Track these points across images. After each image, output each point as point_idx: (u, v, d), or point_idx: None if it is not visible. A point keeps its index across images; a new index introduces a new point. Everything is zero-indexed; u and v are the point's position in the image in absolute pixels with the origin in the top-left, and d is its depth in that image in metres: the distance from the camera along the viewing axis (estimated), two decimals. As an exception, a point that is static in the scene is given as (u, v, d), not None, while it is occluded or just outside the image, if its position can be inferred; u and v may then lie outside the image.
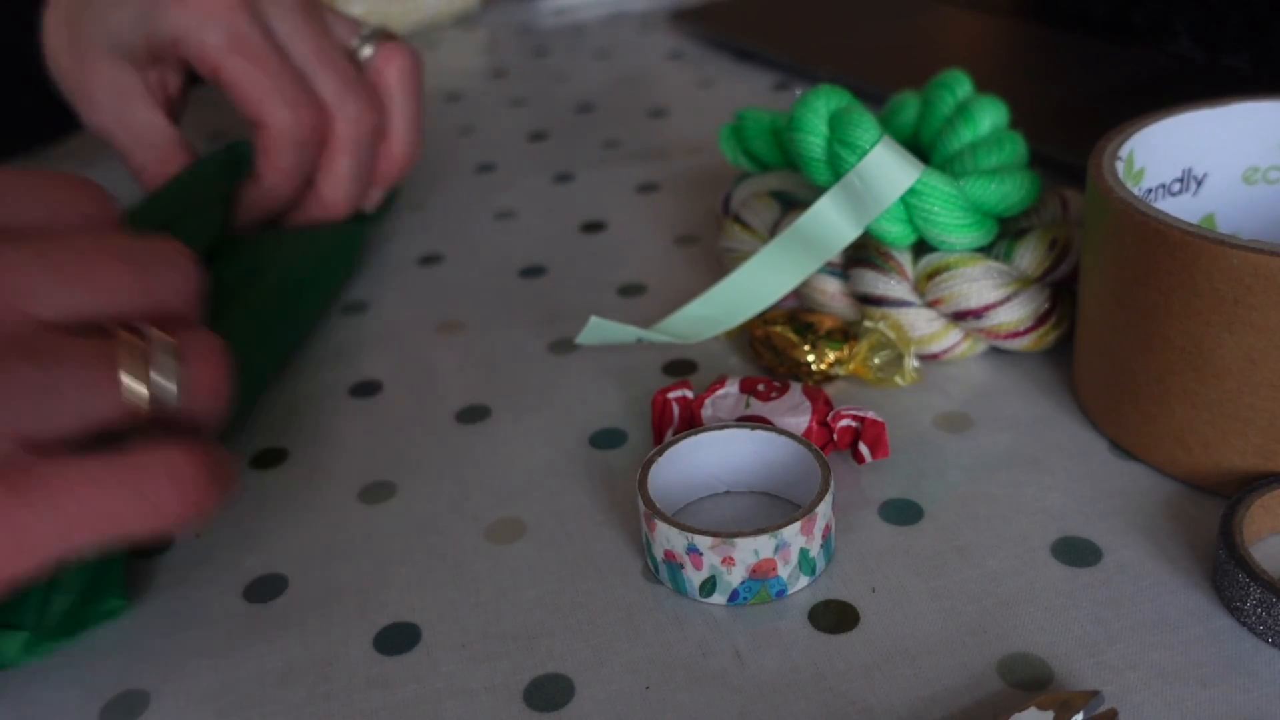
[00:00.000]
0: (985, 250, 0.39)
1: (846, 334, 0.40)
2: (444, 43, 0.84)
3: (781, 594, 0.31)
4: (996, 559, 0.32)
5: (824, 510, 0.31)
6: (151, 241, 0.28)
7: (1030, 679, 0.28)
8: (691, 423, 0.36)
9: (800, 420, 0.35)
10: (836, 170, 0.38)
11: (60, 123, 0.51)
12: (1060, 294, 0.39)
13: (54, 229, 0.27)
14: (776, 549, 0.30)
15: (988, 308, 0.38)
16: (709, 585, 0.31)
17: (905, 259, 0.40)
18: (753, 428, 0.34)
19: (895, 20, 0.71)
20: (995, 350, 0.41)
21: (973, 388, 0.39)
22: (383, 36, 0.49)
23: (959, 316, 0.39)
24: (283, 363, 0.44)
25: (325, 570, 0.34)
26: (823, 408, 0.36)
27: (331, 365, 0.44)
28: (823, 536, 0.31)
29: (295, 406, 0.42)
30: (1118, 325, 0.34)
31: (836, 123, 0.38)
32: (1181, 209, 0.39)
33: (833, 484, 0.32)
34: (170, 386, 0.27)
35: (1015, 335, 0.38)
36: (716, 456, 0.34)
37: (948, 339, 0.40)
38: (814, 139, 0.39)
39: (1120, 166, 0.35)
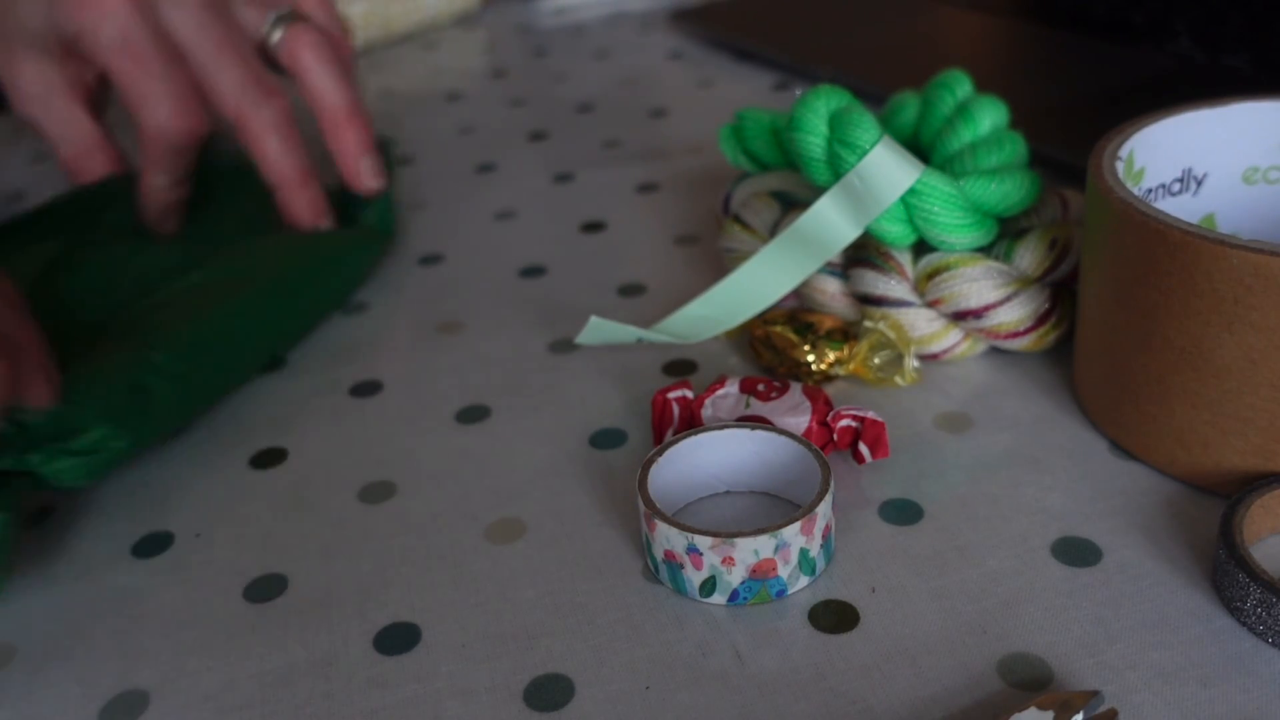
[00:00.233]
0: (985, 250, 0.39)
1: (846, 334, 0.40)
2: (444, 43, 0.84)
3: (781, 594, 0.31)
4: (996, 559, 0.32)
5: (824, 510, 0.31)
6: None
7: (1030, 679, 0.28)
8: (691, 423, 0.36)
9: (800, 420, 0.35)
10: (836, 170, 0.38)
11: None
12: (1060, 294, 0.39)
13: None
14: (776, 549, 0.30)
15: (988, 308, 0.38)
16: (709, 585, 0.31)
17: (905, 259, 0.40)
18: (753, 428, 0.34)
19: (895, 20, 0.71)
20: (995, 350, 0.41)
21: (973, 388, 0.39)
22: (292, 18, 0.49)
23: (959, 316, 0.39)
24: (267, 358, 0.44)
25: (325, 570, 0.34)
26: (823, 408, 0.36)
27: (331, 365, 0.44)
28: (823, 536, 0.31)
29: (295, 406, 0.42)
30: (1118, 325, 0.34)
31: (836, 123, 0.38)
32: (1181, 209, 0.39)
33: (833, 484, 0.32)
34: None
35: (1015, 335, 0.38)
36: (716, 456, 0.34)
37: (948, 339, 0.40)
38: (814, 139, 0.39)
39: (1120, 166, 0.35)
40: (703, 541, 0.30)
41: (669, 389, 0.36)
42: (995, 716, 0.27)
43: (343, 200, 0.51)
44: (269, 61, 0.49)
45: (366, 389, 0.43)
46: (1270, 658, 0.28)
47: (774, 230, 0.43)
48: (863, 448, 0.35)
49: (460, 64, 0.79)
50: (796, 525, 0.30)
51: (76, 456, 0.35)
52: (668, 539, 0.31)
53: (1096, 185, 0.34)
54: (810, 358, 0.39)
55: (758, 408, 0.36)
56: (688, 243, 0.51)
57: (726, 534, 0.30)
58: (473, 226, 0.55)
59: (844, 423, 0.35)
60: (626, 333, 0.41)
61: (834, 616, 0.30)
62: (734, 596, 0.31)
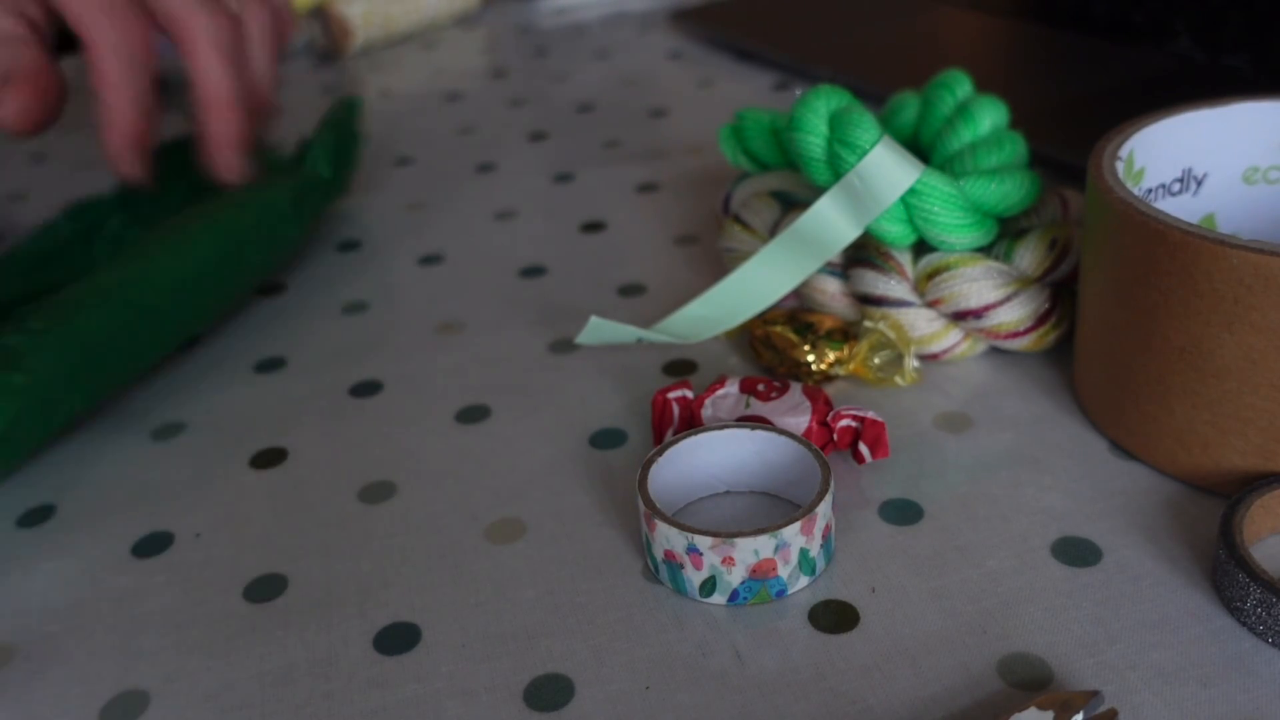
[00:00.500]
0: (985, 250, 0.39)
1: (846, 334, 0.40)
2: (444, 43, 0.84)
3: (781, 594, 0.31)
4: (996, 559, 0.32)
5: (824, 510, 0.31)
6: None
7: (1030, 679, 0.28)
8: (691, 423, 0.36)
9: (800, 420, 0.35)
10: (836, 170, 0.38)
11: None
12: (1060, 294, 0.39)
13: None
14: (776, 549, 0.30)
15: (988, 308, 0.38)
16: (709, 585, 0.31)
17: (905, 259, 0.40)
18: (753, 428, 0.34)
19: (895, 20, 0.71)
20: (995, 350, 0.41)
21: (973, 388, 0.39)
22: None
23: (959, 316, 0.39)
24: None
25: (325, 570, 0.34)
26: (823, 408, 0.36)
27: (331, 365, 0.44)
28: (823, 536, 0.31)
29: (295, 406, 0.42)
30: (1118, 325, 0.34)
31: (836, 123, 0.38)
32: (1181, 209, 0.39)
33: (833, 484, 0.32)
34: None
35: (1015, 335, 0.38)
36: (716, 456, 0.34)
37: (948, 339, 0.40)
38: (814, 139, 0.39)
39: (1120, 166, 0.35)
40: (703, 541, 0.30)
41: (669, 389, 0.36)
42: (995, 716, 0.27)
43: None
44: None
45: (366, 389, 0.43)
46: (1270, 658, 0.28)
47: (774, 230, 0.43)
48: (863, 448, 0.35)
49: (460, 64, 0.79)
50: (796, 525, 0.30)
51: None
52: (668, 539, 0.31)
53: (1096, 185, 0.34)
54: (810, 358, 0.39)
55: (758, 408, 0.36)
56: (688, 243, 0.51)
57: (726, 534, 0.30)
58: (473, 226, 0.55)
59: (844, 423, 0.35)
60: (626, 333, 0.41)
61: (834, 616, 0.30)
62: (734, 596, 0.31)
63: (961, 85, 0.43)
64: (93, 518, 0.37)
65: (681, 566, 0.31)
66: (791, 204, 0.43)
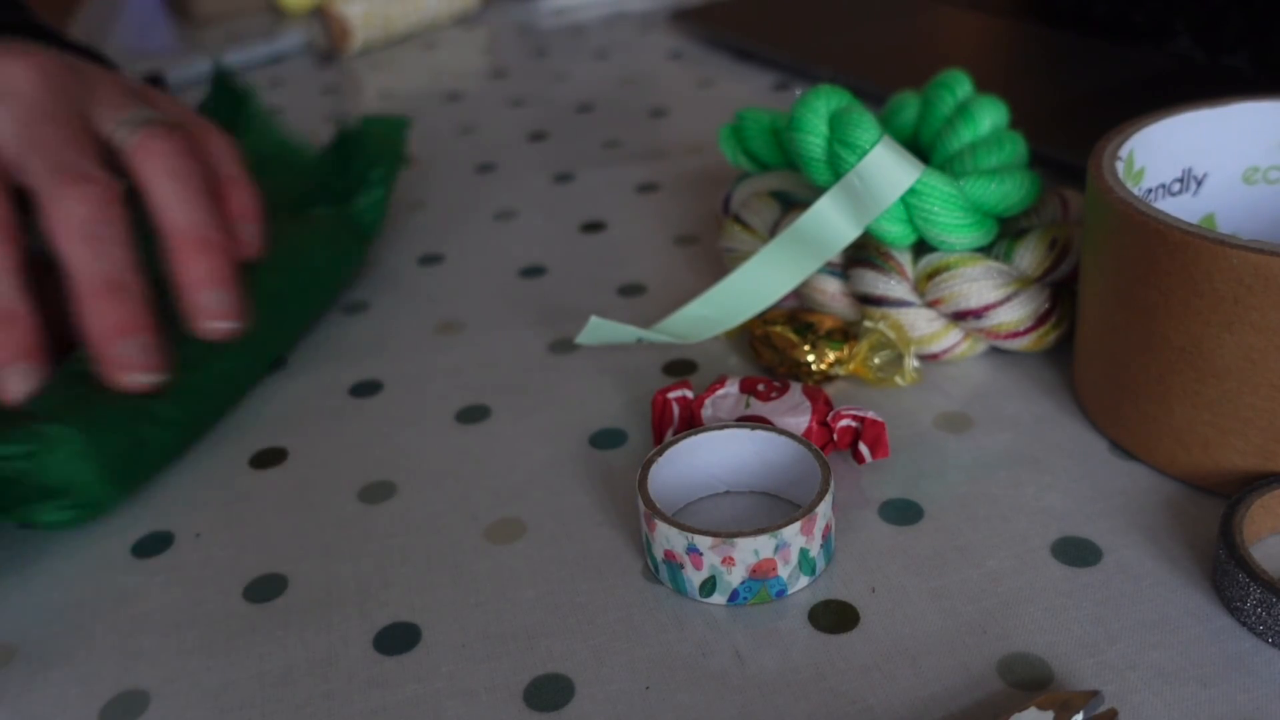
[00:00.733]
0: (985, 250, 0.39)
1: (846, 334, 0.40)
2: (444, 43, 0.84)
3: (781, 594, 0.31)
4: (996, 559, 0.32)
5: (824, 510, 0.31)
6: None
7: (1030, 679, 0.28)
8: (691, 423, 0.36)
9: (800, 420, 0.35)
10: (836, 170, 0.38)
11: None
12: (1060, 294, 0.39)
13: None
14: (776, 549, 0.30)
15: (988, 308, 0.38)
16: (709, 585, 0.31)
17: (905, 259, 0.40)
18: (753, 428, 0.34)
19: (895, 20, 0.71)
20: (995, 350, 0.41)
21: (973, 388, 0.39)
22: (148, 122, 0.41)
23: (959, 316, 0.39)
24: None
25: (325, 570, 0.34)
26: (823, 408, 0.36)
27: (331, 365, 0.44)
28: (823, 536, 0.31)
29: (295, 406, 0.42)
30: (1118, 325, 0.34)
31: (836, 123, 0.38)
32: (1181, 209, 0.39)
33: (833, 484, 0.32)
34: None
35: (1015, 335, 0.38)
36: (716, 456, 0.34)
37: (948, 339, 0.40)
38: (814, 139, 0.39)
39: (1120, 166, 0.35)
40: (703, 541, 0.30)
41: (669, 389, 0.36)
42: (995, 716, 0.27)
43: (334, 171, 0.50)
44: (117, 169, 0.41)
45: (366, 389, 0.43)
46: (1270, 658, 0.28)
47: (774, 230, 0.43)
48: (863, 448, 0.35)
49: (460, 64, 0.79)
50: (796, 525, 0.30)
51: (69, 510, 0.35)
52: (668, 539, 0.31)
53: (1096, 185, 0.34)
54: (810, 358, 0.39)
55: (758, 408, 0.36)
56: (688, 243, 0.51)
57: (726, 534, 0.30)
58: (473, 226, 0.55)
59: (844, 423, 0.35)
60: (626, 333, 0.41)
61: (834, 616, 0.30)
62: (734, 596, 0.31)
63: (961, 85, 0.43)
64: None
65: (681, 566, 0.31)
66: (791, 204, 0.43)
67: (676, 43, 0.78)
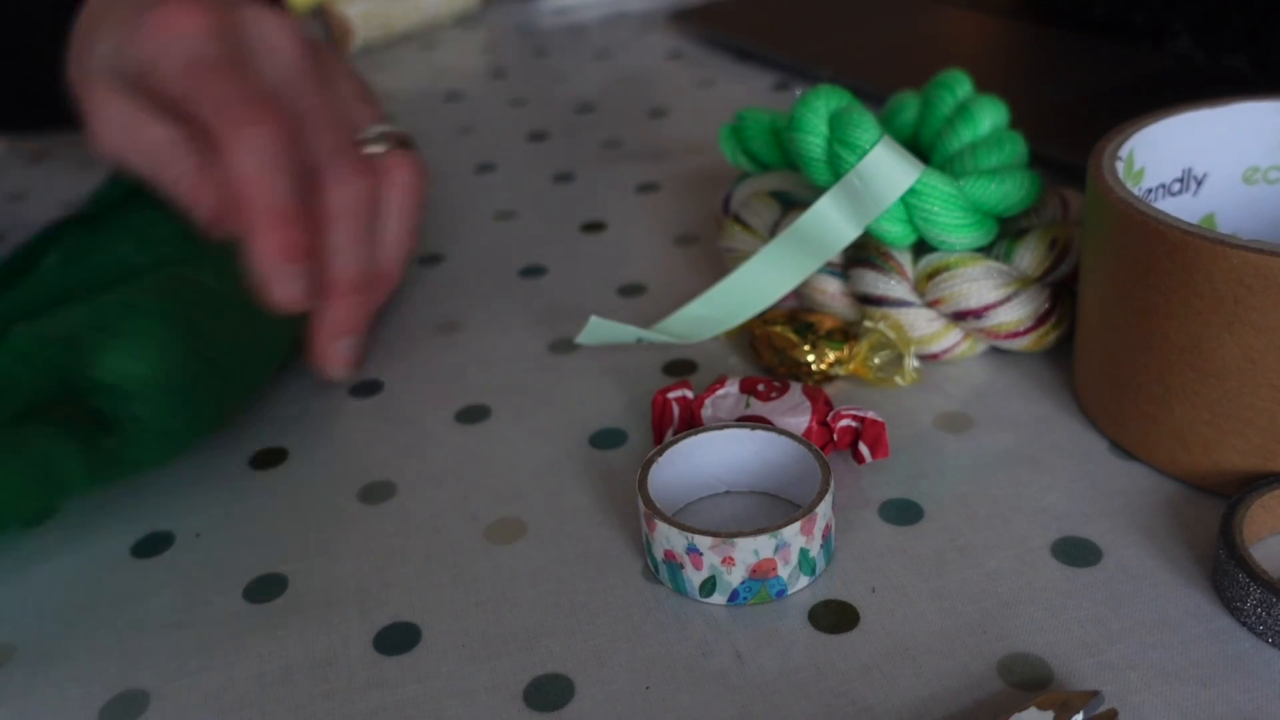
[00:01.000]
0: (985, 250, 0.39)
1: (846, 334, 0.40)
2: (444, 43, 0.84)
3: (781, 594, 0.31)
4: (996, 559, 0.32)
5: (824, 510, 0.31)
6: None
7: (1030, 679, 0.28)
8: (691, 423, 0.36)
9: (800, 420, 0.35)
10: (836, 170, 0.38)
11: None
12: (1060, 294, 0.39)
13: None
14: (776, 549, 0.30)
15: (988, 308, 0.38)
16: (709, 585, 0.31)
17: (905, 259, 0.40)
18: (753, 428, 0.34)
19: (895, 20, 0.71)
20: (995, 350, 0.41)
21: (973, 388, 0.39)
22: (397, 141, 0.42)
23: (959, 316, 0.39)
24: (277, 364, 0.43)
25: (325, 570, 0.34)
26: (823, 408, 0.36)
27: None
28: (823, 536, 0.31)
29: (295, 406, 0.42)
30: (1118, 325, 0.34)
31: (836, 123, 0.38)
32: (1181, 209, 0.39)
33: (833, 484, 0.32)
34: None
35: (1015, 335, 0.38)
36: (716, 456, 0.34)
37: (948, 339, 0.40)
38: (814, 139, 0.39)
39: (1120, 166, 0.35)
40: (703, 541, 0.30)
41: (669, 389, 0.36)
42: (995, 716, 0.27)
43: None
44: None
45: (366, 389, 0.43)
46: (1270, 658, 0.28)
47: (774, 230, 0.43)
48: (863, 448, 0.35)
49: (460, 64, 0.79)
50: (796, 525, 0.30)
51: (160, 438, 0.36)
52: (668, 539, 0.31)
53: (1096, 185, 0.34)
54: (810, 358, 0.39)
55: (758, 408, 0.36)
56: (688, 243, 0.51)
57: (726, 534, 0.30)
58: (473, 226, 0.55)
59: (844, 423, 0.35)
60: (626, 333, 0.41)
61: (834, 616, 0.30)
62: (734, 596, 0.31)
63: (961, 85, 0.43)
64: (93, 518, 0.37)
65: (681, 566, 0.31)
66: (791, 204, 0.43)
67: (676, 43, 0.78)
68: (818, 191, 0.39)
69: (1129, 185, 0.36)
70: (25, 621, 0.33)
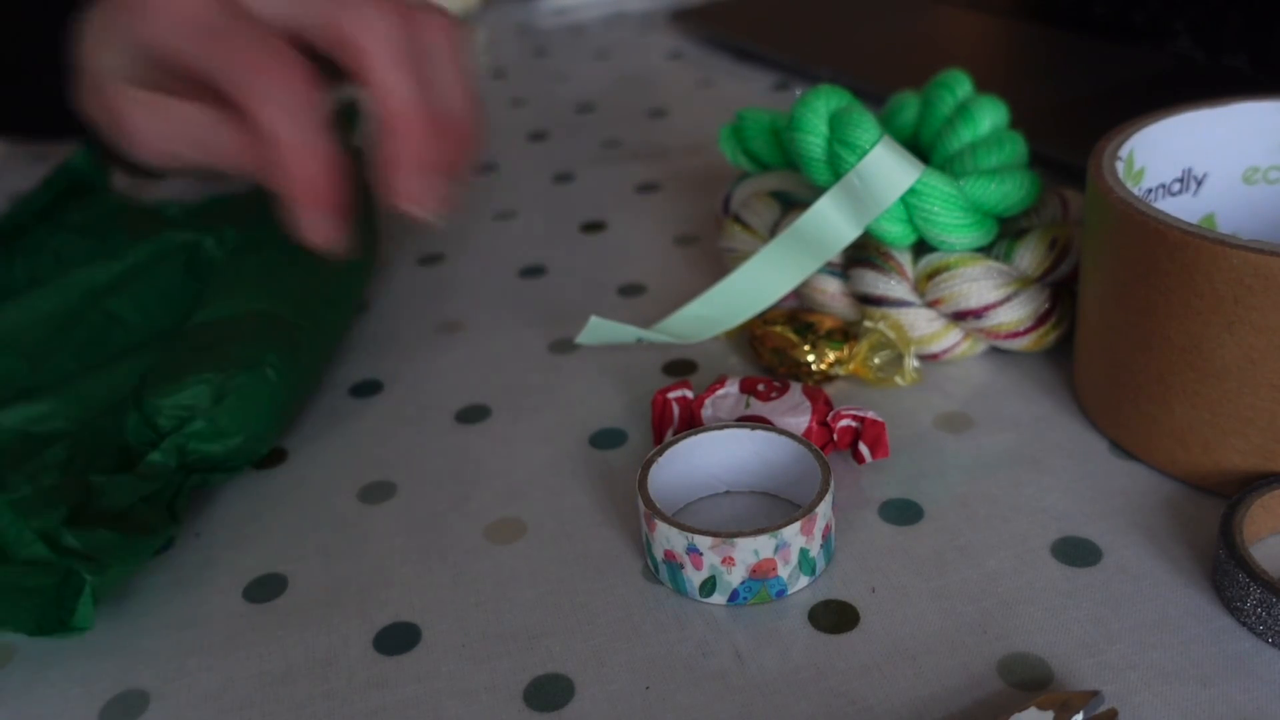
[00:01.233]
0: (985, 250, 0.39)
1: (846, 334, 0.40)
2: (444, 43, 0.84)
3: (781, 594, 0.31)
4: (996, 559, 0.32)
5: (824, 510, 0.31)
6: None
7: (1030, 679, 0.28)
8: (691, 423, 0.36)
9: (800, 420, 0.35)
10: (836, 170, 0.38)
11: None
12: (1060, 294, 0.39)
13: None
14: (776, 549, 0.30)
15: (988, 308, 0.38)
16: (709, 585, 0.31)
17: (905, 259, 0.40)
18: (753, 428, 0.34)
19: (895, 20, 0.71)
20: (995, 350, 0.41)
21: (973, 388, 0.39)
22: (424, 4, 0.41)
23: (959, 316, 0.39)
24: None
25: (325, 570, 0.34)
26: (823, 408, 0.36)
27: (331, 365, 0.44)
28: (823, 536, 0.31)
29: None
30: (1118, 325, 0.34)
31: (836, 123, 0.38)
32: (1181, 209, 0.39)
33: (833, 484, 0.32)
34: None
35: (1015, 335, 0.38)
36: (716, 456, 0.34)
37: (948, 339, 0.40)
38: (814, 139, 0.39)
39: (1120, 166, 0.35)
40: (703, 541, 0.30)
41: (669, 389, 0.36)
42: (995, 716, 0.27)
43: None
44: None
45: (366, 389, 0.43)
46: (1270, 658, 0.28)
47: (774, 230, 0.43)
48: (863, 448, 0.35)
49: (460, 64, 0.79)
50: (796, 525, 0.30)
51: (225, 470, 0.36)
52: (668, 539, 0.31)
53: (1096, 185, 0.34)
54: (810, 358, 0.39)
55: (758, 408, 0.36)
56: (688, 243, 0.51)
57: (726, 534, 0.30)
58: (473, 226, 0.55)
59: (844, 423, 0.35)
60: (626, 333, 0.41)
61: (834, 616, 0.30)
62: (734, 596, 0.31)
63: (961, 85, 0.43)
64: (93, 518, 0.37)
65: (681, 566, 0.31)
66: (791, 204, 0.43)
67: (676, 43, 0.78)
68: (818, 191, 0.39)
69: (1129, 185, 0.36)
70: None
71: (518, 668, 0.30)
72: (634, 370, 0.42)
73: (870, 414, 0.35)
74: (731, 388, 0.37)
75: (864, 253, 0.40)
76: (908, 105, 0.45)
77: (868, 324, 0.39)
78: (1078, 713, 0.26)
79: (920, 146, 0.44)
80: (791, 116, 0.39)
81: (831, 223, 0.39)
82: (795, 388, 0.36)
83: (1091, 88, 0.57)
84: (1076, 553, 0.32)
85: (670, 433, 0.37)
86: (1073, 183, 0.48)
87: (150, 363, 0.40)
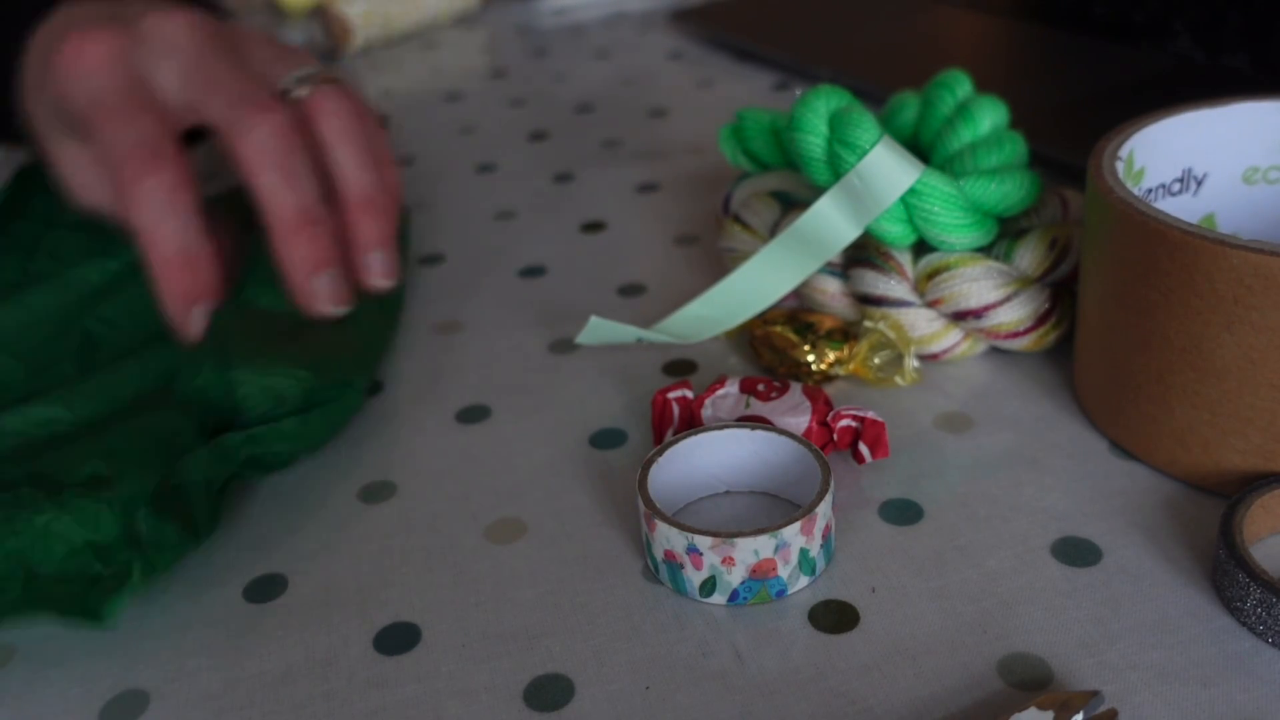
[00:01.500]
0: (985, 250, 0.39)
1: (846, 334, 0.40)
2: (444, 43, 0.84)
3: (781, 594, 0.31)
4: (996, 559, 0.32)
5: (824, 510, 0.31)
6: None
7: (1030, 679, 0.28)
8: (691, 423, 0.36)
9: (800, 420, 0.35)
10: (836, 170, 0.38)
11: None
12: (1060, 294, 0.39)
13: None
14: (776, 549, 0.30)
15: (988, 308, 0.38)
16: (709, 585, 0.31)
17: (905, 259, 0.40)
18: (753, 428, 0.34)
19: (895, 20, 0.71)
20: (995, 350, 0.41)
21: (973, 388, 0.39)
22: (321, 80, 0.42)
23: (959, 316, 0.39)
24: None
25: (325, 570, 0.34)
26: (823, 408, 0.36)
27: (331, 365, 0.44)
28: (823, 536, 0.31)
29: (295, 406, 0.42)
30: (1118, 325, 0.34)
31: (836, 123, 0.38)
32: (1181, 209, 0.39)
33: (833, 484, 0.32)
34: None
35: (1015, 335, 0.38)
36: (716, 456, 0.34)
37: (948, 339, 0.40)
38: (814, 139, 0.39)
39: (1120, 166, 0.35)
40: (703, 541, 0.30)
41: (669, 389, 0.36)
42: (995, 716, 0.27)
43: None
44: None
45: (366, 389, 0.42)
46: (1270, 658, 0.28)
47: (774, 230, 0.43)
48: (863, 448, 0.35)
49: (460, 64, 0.79)
50: (796, 525, 0.30)
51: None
52: (668, 539, 0.31)
53: (1096, 185, 0.34)
54: (810, 358, 0.39)
55: (758, 408, 0.36)
56: (688, 243, 0.51)
57: (726, 534, 0.30)
58: (473, 226, 0.55)
59: (844, 423, 0.35)
60: (626, 333, 0.41)
61: (834, 616, 0.30)
62: (734, 596, 0.31)
63: (961, 85, 0.43)
64: (93, 518, 0.37)
65: (681, 566, 0.31)
66: (791, 204, 0.43)
67: (676, 43, 0.78)
68: (818, 191, 0.39)
69: (1129, 185, 0.36)
70: (26, 622, 0.33)
71: (518, 668, 0.30)
72: (634, 370, 0.42)
73: (870, 414, 0.35)
74: (731, 388, 0.37)
75: (864, 253, 0.40)
76: (908, 105, 0.45)
77: (868, 324, 0.39)
78: (1078, 713, 0.26)
79: (920, 146, 0.44)
80: (791, 116, 0.39)
81: (831, 223, 0.39)
82: (795, 388, 0.36)
83: (1091, 88, 0.57)
84: (1076, 553, 0.32)
85: (670, 433, 0.37)
86: (1073, 183, 0.48)
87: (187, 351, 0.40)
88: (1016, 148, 0.41)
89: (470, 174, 0.61)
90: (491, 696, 0.29)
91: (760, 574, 0.30)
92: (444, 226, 0.55)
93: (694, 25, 0.78)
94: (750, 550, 0.30)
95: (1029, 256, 0.38)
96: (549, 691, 0.29)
